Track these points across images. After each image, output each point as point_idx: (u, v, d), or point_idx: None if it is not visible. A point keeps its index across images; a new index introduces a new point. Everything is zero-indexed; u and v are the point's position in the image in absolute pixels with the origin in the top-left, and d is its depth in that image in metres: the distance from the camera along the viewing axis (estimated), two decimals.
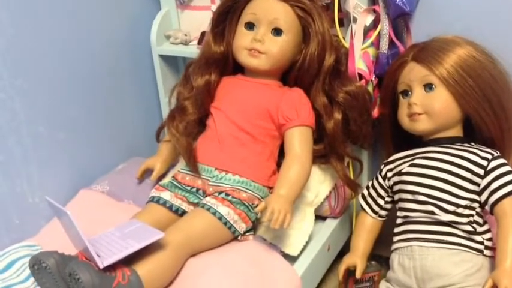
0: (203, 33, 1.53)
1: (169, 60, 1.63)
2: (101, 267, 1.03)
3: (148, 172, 1.44)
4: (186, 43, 1.57)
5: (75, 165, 1.47)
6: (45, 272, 1.06)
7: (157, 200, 1.27)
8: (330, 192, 1.38)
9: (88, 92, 1.48)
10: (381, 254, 1.46)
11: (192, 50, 1.53)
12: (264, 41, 1.25)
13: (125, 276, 1.05)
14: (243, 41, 1.27)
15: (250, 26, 1.27)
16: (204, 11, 1.56)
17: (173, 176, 1.33)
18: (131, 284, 1.05)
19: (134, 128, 1.65)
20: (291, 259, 1.27)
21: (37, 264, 1.07)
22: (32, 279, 1.15)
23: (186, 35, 1.57)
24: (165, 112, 1.65)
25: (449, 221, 1.17)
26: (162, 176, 1.43)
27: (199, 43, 1.53)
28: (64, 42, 1.39)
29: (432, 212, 1.18)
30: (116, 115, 1.58)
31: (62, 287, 1.05)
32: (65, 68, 1.40)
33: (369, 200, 1.35)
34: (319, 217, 1.41)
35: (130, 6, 1.58)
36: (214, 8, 1.53)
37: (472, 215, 1.18)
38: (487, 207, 1.17)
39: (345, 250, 1.44)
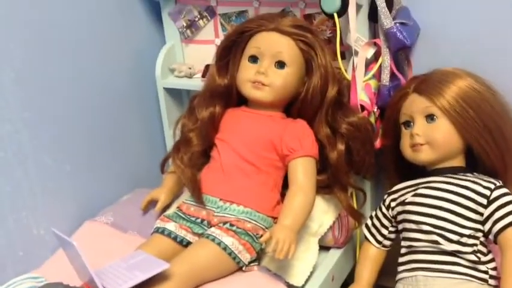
0: (207, 67, 1.56)
1: (173, 93, 1.66)
2: None
3: (152, 203, 1.45)
4: (190, 76, 1.60)
5: (80, 196, 1.48)
6: None
7: (162, 231, 1.27)
8: (334, 223, 1.39)
9: (94, 124, 1.51)
10: (384, 285, 1.46)
11: (196, 83, 1.56)
12: (268, 74, 1.27)
13: None
14: (247, 74, 1.29)
15: (254, 59, 1.30)
16: (208, 45, 1.60)
17: (178, 207, 1.34)
18: None
19: (139, 160, 1.66)
20: None
21: None
22: None
23: (190, 68, 1.60)
24: (169, 144, 1.67)
25: (453, 251, 1.18)
26: (166, 207, 1.44)
27: (203, 76, 1.56)
28: (71, 76, 1.42)
29: (436, 242, 1.19)
30: (120, 147, 1.60)
31: None
32: (71, 100, 1.43)
33: (373, 230, 1.36)
34: (323, 247, 1.41)
35: (136, 40, 1.61)
36: (218, 41, 1.57)
37: (476, 245, 1.18)
38: (491, 237, 1.18)
39: (349, 281, 1.44)
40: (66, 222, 1.44)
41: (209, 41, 1.59)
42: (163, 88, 1.62)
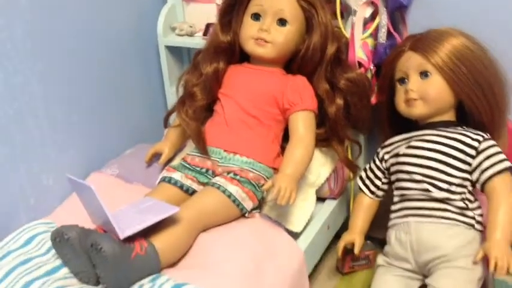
0: (208, 25, 1.60)
1: (174, 51, 1.70)
2: (122, 237, 1.09)
3: (156, 156, 1.51)
4: (191, 34, 1.65)
5: (86, 149, 1.53)
6: (67, 244, 1.12)
7: (168, 180, 1.34)
8: (330, 174, 1.46)
9: (98, 80, 1.55)
10: (374, 236, 1.55)
11: (197, 41, 1.60)
12: (270, 31, 1.32)
13: (142, 248, 1.12)
14: (249, 31, 1.34)
15: (256, 16, 1.35)
16: (208, 4, 1.64)
17: (183, 158, 1.40)
18: (148, 254, 1.12)
19: (140, 116, 1.72)
20: (294, 236, 1.34)
21: (59, 237, 1.13)
22: (52, 252, 1.21)
23: (191, 26, 1.64)
24: (170, 100, 1.72)
25: (443, 198, 1.26)
26: (169, 160, 1.50)
27: (204, 34, 1.60)
28: (78, 32, 1.46)
29: (427, 190, 1.27)
30: (124, 103, 1.65)
31: (83, 258, 1.11)
32: (79, 55, 1.47)
33: (367, 181, 1.44)
34: (319, 199, 1.49)
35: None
36: (218, 1, 1.60)
37: (464, 193, 1.26)
38: (478, 186, 1.26)
39: (341, 232, 1.51)
40: (74, 173, 1.46)
41: (210, 0, 1.63)
42: (165, 46, 1.66)
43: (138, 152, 1.59)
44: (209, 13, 1.62)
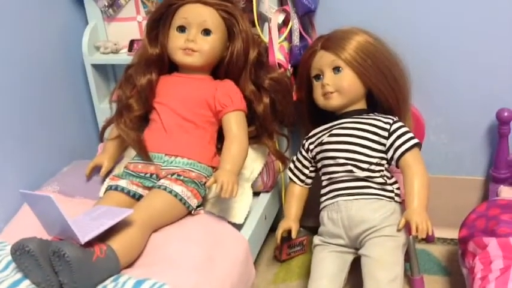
0: (132, 41, 1.69)
1: (99, 69, 1.77)
2: (83, 242, 1.15)
3: (96, 169, 1.56)
4: (116, 52, 1.72)
5: (23, 171, 1.56)
6: (28, 255, 1.15)
7: (115, 188, 1.41)
8: (263, 169, 1.59)
9: (28, 103, 1.59)
10: (304, 225, 1.69)
11: (123, 58, 1.69)
12: (196, 41, 1.44)
13: (102, 251, 1.19)
14: (177, 42, 1.45)
15: (182, 29, 1.46)
16: (130, 22, 1.72)
17: (125, 167, 1.48)
18: (108, 256, 1.19)
19: (73, 134, 1.76)
20: (237, 228, 1.45)
21: (19, 250, 1.16)
22: (10, 267, 1.23)
23: (115, 44, 1.72)
24: (100, 117, 1.78)
25: (365, 177, 1.42)
26: (109, 172, 1.56)
27: (129, 50, 1.69)
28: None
29: (351, 171, 1.43)
30: (55, 123, 1.69)
31: (45, 267, 1.15)
32: (4, 80, 1.49)
33: (296, 171, 1.58)
34: (254, 193, 1.59)
35: (58, 20, 1.70)
36: (140, 18, 1.70)
37: (382, 170, 1.44)
38: (393, 162, 1.44)
39: (274, 224, 1.65)
40: (15, 195, 1.50)
41: (131, 18, 1.72)
42: (91, 65, 1.73)
43: (75, 168, 1.64)
44: (131, 30, 1.71)
